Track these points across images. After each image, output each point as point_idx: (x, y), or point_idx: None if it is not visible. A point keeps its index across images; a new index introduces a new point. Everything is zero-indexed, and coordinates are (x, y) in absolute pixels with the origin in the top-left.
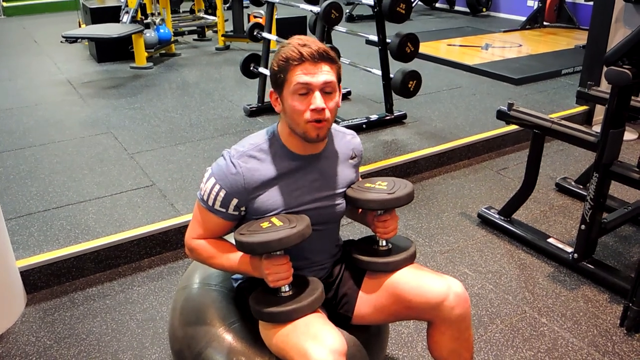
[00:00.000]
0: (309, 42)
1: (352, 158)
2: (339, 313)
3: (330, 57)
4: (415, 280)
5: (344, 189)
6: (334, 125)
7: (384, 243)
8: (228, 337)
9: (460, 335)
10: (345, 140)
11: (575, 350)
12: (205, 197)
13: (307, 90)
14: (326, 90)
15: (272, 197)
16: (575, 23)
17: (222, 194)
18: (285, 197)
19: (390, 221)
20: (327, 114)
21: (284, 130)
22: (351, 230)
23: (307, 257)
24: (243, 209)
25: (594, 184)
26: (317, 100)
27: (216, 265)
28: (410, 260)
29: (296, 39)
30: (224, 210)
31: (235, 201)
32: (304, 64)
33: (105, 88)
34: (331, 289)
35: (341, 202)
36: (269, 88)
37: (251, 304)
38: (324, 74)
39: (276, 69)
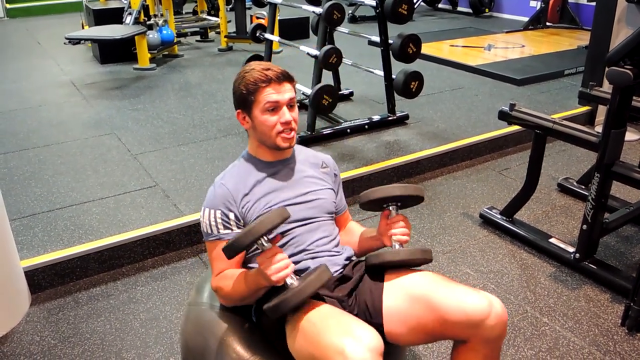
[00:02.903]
0: (271, 66)
1: (322, 167)
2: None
3: (290, 77)
4: (454, 296)
5: (321, 188)
6: (307, 149)
7: (398, 246)
8: None
9: (492, 354)
10: (313, 153)
11: (577, 349)
12: (209, 230)
13: (275, 107)
14: (290, 105)
15: (256, 201)
16: (577, 24)
17: (218, 214)
18: (267, 197)
19: (404, 222)
20: (294, 124)
21: (252, 145)
22: None
23: (308, 248)
24: (241, 223)
25: (596, 184)
26: (286, 114)
27: (237, 294)
28: (427, 254)
29: (257, 64)
30: (229, 231)
31: (232, 215)
32: (271, 84)
33: (108, 89)
34: (349, 291)
35: (323, 197)
36: None
37: (265, 308)
38: (288, 91)
39: (245, 91)
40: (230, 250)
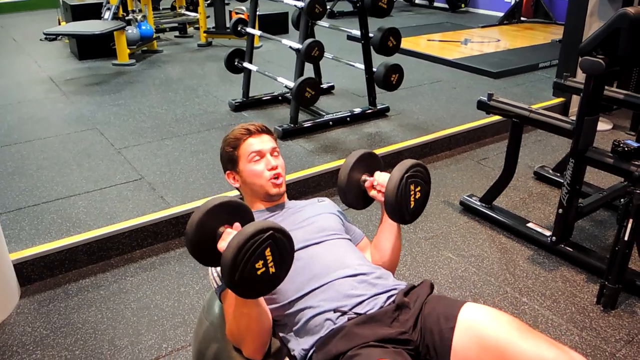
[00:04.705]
0: (249, 123)
1: (319, 202)
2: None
3: (269, 130)
4: (532, 351)
5: (321, 213)
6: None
7: None
8: None
9: None
10: (307, 200)
11: (555, 326)
12: (214, 285)
13: (259, 156)
14: (273, 154)
15: None
16: (551, 18)
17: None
18: None
19: (380, 174)
20: (280, 170)
21: (247, 201)
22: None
23: (321, 272)
24: None
25: (571, 169)
26: (272, 161)
27: (237, 318)
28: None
29: (237, 126)
30: None
31: None
32: (251, 136)
33: (88, 85)
34: (411, 323)
35: (324, 219)
36: (254, 82)
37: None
38: (269, 142)
39: (230, 149)
40: (188, 239)
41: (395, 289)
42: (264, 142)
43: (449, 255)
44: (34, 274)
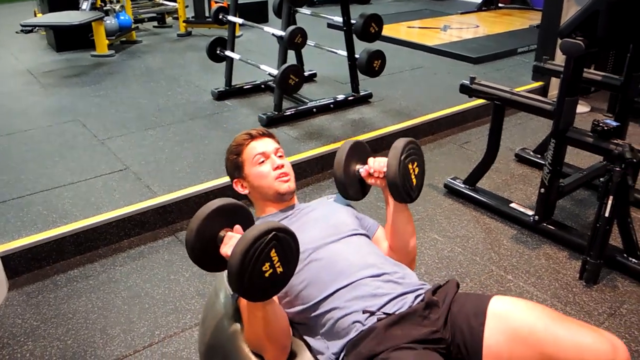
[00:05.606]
0: (251, 129)
1: (327, 199)
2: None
3: (270, 133)
4: (570, 338)
5: (334, 210)
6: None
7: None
8: None
9: None
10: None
11: (539, 301)
12: (230, 291)
13: (264, 158)
14: (278, 154)
15: None
16: (528, 4)
17: None
18: None
19: (373, 160)
20: (287, 169)
21: (258, 208)
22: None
23: (344, 269)
24: None
25: (552, 149)
26: (277, 160)
27: (252, 321)
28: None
29: (239, 133)
30: None
31: None
32: (254, 140)
33: (67, 77)
34: (442, 322)
35: (339, 216)
36: (236, 71)
37: (229, 282)
38: (272, 144)
39: (234, 156)
40: (189, 247)
41: (421, 288)
42: (267, 144)
43: (434, 237)
44: (21, 266)
